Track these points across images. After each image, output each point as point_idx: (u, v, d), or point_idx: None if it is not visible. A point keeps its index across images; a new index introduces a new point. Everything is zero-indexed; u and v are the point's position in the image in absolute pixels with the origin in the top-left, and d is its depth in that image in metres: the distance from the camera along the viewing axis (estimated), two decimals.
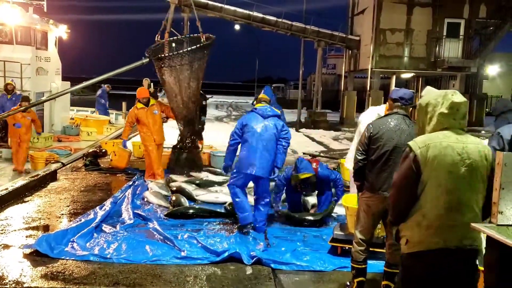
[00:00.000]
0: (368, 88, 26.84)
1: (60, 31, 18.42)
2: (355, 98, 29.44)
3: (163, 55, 9.22)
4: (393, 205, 2.92)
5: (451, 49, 25.41)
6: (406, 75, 29.18)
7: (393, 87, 26.98)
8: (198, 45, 9.21)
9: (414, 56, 26.06)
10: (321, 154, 13.17)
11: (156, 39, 9.93)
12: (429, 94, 3.00)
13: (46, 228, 6.30)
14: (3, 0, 15.63)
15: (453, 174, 2.74)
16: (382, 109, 6.13)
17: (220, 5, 24.74)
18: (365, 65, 27.09)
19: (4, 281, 4.49)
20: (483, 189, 2.83)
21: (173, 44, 10.17)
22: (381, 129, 4.37)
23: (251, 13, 25.75)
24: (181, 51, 9.12)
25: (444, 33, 25.60)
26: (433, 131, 2.86)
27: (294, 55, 34.00)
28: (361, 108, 26.18)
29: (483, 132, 24.92)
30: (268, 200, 6.33)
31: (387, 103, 5.90)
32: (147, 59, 8.95)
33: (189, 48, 9.14)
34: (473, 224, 2.67)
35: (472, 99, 28.13)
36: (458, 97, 2.87)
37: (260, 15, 25.98)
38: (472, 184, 2.78)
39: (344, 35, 28.57)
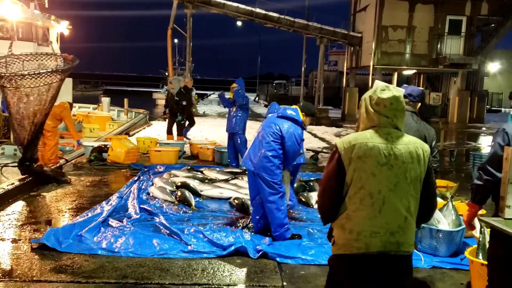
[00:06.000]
0: (370, 85, 26.86)
1: (61, 27, 18.45)
2: (357, 95, 29.48)
3: (8, 74, 7.90)
4: (320, 205, 2.78)
5: (453, 46, 25.43)
6: (408, 72, 29.19)
7: (395, 84, 27.03)
8: (54, 69, 8.09)
9: (416, 53, 26.10)
10: (324, 150, 13.25)
11: (8, 51, 9.35)
12: (372, 88, 2.77)
13: (53, 222, 6.36)
14: None
15: (377, 177, 2.53)
16: None
17: (223, 1, 24.78)
18: (367, 62, 27.12)
19: (14, 275, 4.55)
20: (415, 192, 2.61)
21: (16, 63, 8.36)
22: None
23: (253, 9, 25.80)
24: (38, 71, 7.87)
25: (446, 30, 25.62)
26: (365, 129, 2.65)
27: (295, 52, 34.07)
28: None
29: (483, 128, 24.93)
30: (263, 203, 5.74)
31: None
32: None
33: (44, 70, 7.94)
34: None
35: (473, 96, 28.15)
36: (387, 93, 2.61)
37: (263, 11, 26.03)
38: (399, 188, 2.55)
39: (346, 32, 28.61)
